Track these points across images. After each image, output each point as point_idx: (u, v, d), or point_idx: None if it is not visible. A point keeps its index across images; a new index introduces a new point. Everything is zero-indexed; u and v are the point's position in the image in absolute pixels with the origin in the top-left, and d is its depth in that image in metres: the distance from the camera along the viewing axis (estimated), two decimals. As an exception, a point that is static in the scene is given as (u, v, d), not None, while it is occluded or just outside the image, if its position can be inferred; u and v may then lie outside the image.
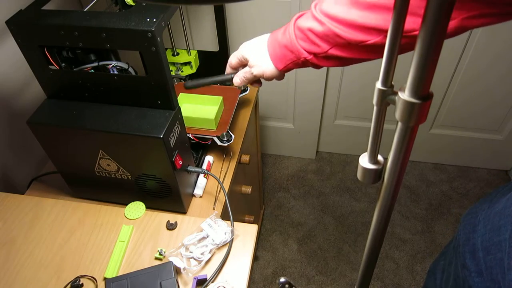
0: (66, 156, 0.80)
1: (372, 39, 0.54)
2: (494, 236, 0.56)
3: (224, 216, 0.87)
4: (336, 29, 0.55)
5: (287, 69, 0.65)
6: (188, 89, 0.82)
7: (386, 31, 0.49)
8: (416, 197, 1.73)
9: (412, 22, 0.51)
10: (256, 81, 0.74)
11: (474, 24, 0.48)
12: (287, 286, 0.65)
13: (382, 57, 0.56)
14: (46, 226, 0.81)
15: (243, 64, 0.72)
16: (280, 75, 0.68)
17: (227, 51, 1.07)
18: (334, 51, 0.58)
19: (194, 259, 0.73)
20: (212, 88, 1.07)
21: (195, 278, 0.70)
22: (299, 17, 0.61)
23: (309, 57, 0.60)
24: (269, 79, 0.69)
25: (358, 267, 0.70)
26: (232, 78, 0.74)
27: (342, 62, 0.60)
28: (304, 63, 0.62)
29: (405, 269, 1.50)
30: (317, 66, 0.62)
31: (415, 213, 1.67)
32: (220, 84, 0.85)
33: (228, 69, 0.76)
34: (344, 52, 0.57)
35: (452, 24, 0.49)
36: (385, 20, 0.52)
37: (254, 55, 0.68)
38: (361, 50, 0.56)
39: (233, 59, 0.73)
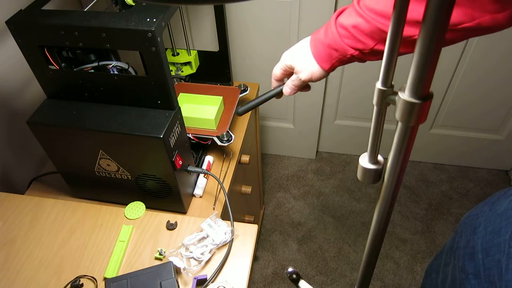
0: (66, 156, 0.80)
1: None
2: (494, 238, 0.56)
3: (224, 216, 0.87)
4: (382, 25, 0.54)
5: (333, 68, 0.65)
6: (241, 115, 0.81)
7: None
8: (416, 197, 1.73)
9: (463, 14, 0.49)
10: (305, 86, 0.73)
11: None
12: (294, 276, 0.66)
13: None
14: (46, 226, 0.81)
15: (288, 74, 0.72)
16: (326, 75, 0.68)
17: (227, 51, 1.07)
18: (381, 47, 0.57)
19: (194, 259, 0.73)
20: (212, 88, 1.07)
21: (195, 278, 0.70)
22: (339, 14, 0.60)
23: (355, 53, 0.60)
24: (316, 80, 0.69)
25: (358, 267, 0.70)
26: (281, 90, 0.74)
27: (376, 56, 0.59)
28: (350, 59, 0.62)
29: (405, 269, 1.50)
30: (363, 61, 0.62)
31: (415, 213, 1.67)
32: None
33: (274, 83, 0.75)
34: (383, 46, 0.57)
35: (506, 14, 0.48)
36: None
37: (298, 60, 0.67)
38: (409, 45, 0.55)
39: (277, 71, 0.72)
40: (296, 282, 0.67)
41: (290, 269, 0.67)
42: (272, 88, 0.76)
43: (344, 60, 0.62)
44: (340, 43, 0.60)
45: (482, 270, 0.57)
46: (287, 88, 0.72)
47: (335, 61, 0.63)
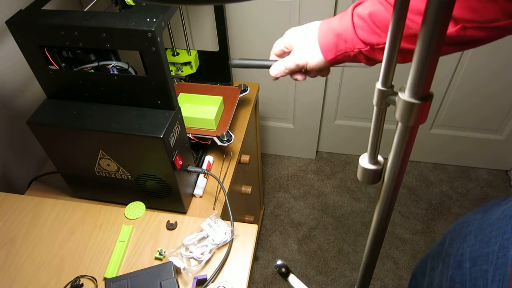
0: (66, 156, 0.80)
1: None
2: (483, 247, 0.55)
3: (224, 216, 0.87)
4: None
5: (335, 61, 0.58)
6: (233, 67, 0.73)
7: (465, 21, 0.45)
8: (416, 197, 1.73)
9: (499, 11, 0.43)
10: (299, 72, 0.64)
11: None
12: (283, 270, 0.61)
13: (457, 50, 0.50)
14: (46, 226, 0.81)
15: (287, 53, 0.64)
16: (325, 68, 0.60)
17: (227, 51, 1.07)
18: None
19: (194, 259, 0.73)
20: (212, 88, 1.07)
21: (195, 278, 0.70)
22: (357, 4, 0.54)
23: (365, 48, 0.53)
24: (312, 70, 0.61)
25: (358, 267, 0.70)
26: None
27: (404, 57, 0.50)
28: (356, 57, 0.55)
29: (405, 269, 1.50)
30: (370, 61, 0.55)
31: (415, 213, 1.67)
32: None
33: (272, 56, 0.67)
34: (409, 43, 0.48)
35: None
36: (466, 8, 0.44)
37: (300, 42, 0.60)
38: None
39: (276, 47, 0.64)
40: (285, 276, 0.61)
41: (279, 262, 0.61)
42: (269, 60, 0.67)
43: (350, 55, 0.56)
44: (352, 34, 0.53)
45: (468, 279, 0.56)
46: (276, 69, 0.63)
47: (340, 53, 0.56)
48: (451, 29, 0.46)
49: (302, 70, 0.63)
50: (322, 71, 0.62)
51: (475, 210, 0.65)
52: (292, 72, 0.64)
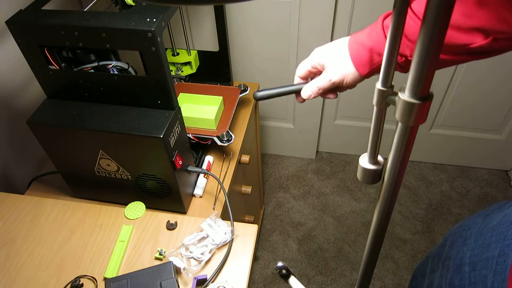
0: (66, 156, 0.80)
1: (477, 42, 0.46)
2: (483, 252, 0.55)
3: (224, 216, 0.87)
4: None
5: (371, 74, 0.59)
6: (258, 100, 0.70)
7: (497, 33, 0.45)
8: (416, 197, 1.73)
9: None
10: (331, 91, 0.64)
11: None
12: (284, 271, 0.61)
13: (485, 57, 0.51)
14: (46, 226, 0.81)
15: (315, 73, 0.64)
16: (359, 81, 0.61)
17: (227, 51, 1.07)
18: None
19: (194, 259, 0.73)
20: (212, 88, 1.07)
21: (195, 278, 0.70)
22: (386, 16, 0.55)
23: (401, 60, 0.54)
24: (347, 86, 0.62)
25: (358, 267, 0.70)
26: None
27: (438, 65, 0.53)
28: None
29: (405, 269, 1.50)
30: (404, 70, 0.56)
31: (415, 213, 1.67)
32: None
33: (296, 80, 0.67)
34: (442, 54, 0.49)
35: None
36: (497, 19, 0.44)
37: (332, 60, 0.60)
38: (462, 53, 0.49)
39: (304, 67, 0.64)
40: (286, 278, 0.61)
41: (279, 264, 0.61)
42: (295, 84, 0.66)
43: None
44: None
45: (467, 283, 0.56)
46: (308, 91, 0.63)
47: (376, 66, 0.57)
48: (483, 41, 0.46)
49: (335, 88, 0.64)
50: (354, 84, 0.63)
51: (476, 213, 0.65)
52: (325, 92, 0.63)
